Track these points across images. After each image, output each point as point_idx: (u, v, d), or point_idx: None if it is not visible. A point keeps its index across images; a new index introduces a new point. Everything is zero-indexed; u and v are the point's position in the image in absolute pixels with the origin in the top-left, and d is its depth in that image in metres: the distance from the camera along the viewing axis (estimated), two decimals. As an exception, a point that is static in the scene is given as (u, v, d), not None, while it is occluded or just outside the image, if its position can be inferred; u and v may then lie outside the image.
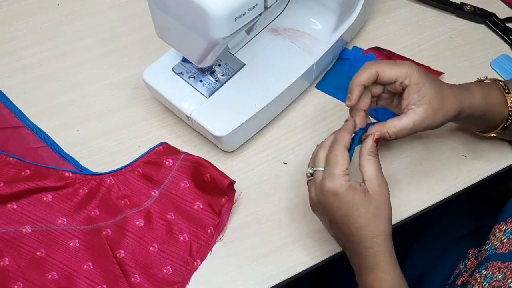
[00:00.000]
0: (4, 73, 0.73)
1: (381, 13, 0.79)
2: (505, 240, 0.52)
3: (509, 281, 0.47)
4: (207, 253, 0.60)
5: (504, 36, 0.77)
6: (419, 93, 0.55)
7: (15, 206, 0.61)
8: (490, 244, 0.55)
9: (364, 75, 0.55)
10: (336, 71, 0.73)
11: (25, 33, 0.77)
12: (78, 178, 0.63)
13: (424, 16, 0.79)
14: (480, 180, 0.66)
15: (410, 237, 0.76)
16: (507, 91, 0.59)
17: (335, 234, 0.56)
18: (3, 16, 0.79)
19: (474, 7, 0.78)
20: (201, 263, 0.60)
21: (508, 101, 0.59)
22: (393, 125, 0.55)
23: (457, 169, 0.66)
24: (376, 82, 0.56)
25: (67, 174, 0.64)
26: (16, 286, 0.58)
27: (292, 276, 0.60)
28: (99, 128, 0.69)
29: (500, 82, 0.60)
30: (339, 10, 0.67)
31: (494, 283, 0.49)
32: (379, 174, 0.53)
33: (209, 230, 0.61)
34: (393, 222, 0.62)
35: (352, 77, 0.72)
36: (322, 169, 0.53)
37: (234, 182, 0.62)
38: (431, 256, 0.72)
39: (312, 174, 0.55)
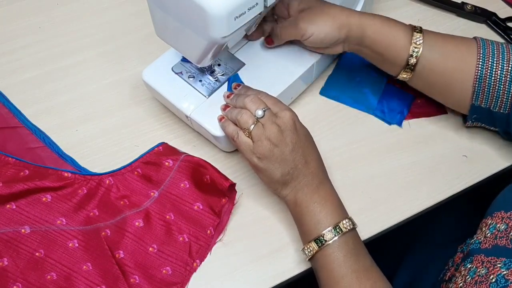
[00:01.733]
0: (2, 72, 0.73)
1: (382, 12, 0.77)
2: (488, 234, 0.53)
3: (491, 277, 0.47)
4: (207, 253, 0.60)
5: (505, 36, 0.76)
6: (301, 3, 0.63)
7: (14, 207, 0.61)
8: (475, 238, 0.55)
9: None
10: (338, 76, 0.73)
11: (24, 32, 0.77)
12: (77, 178, 0.63)
13: (425, 15, 0.79)
14: (481, 180, 0.65)
15: (409, 236, 0.76)
16: (418, 30, 0.62)
17: (291, 163, 0.57)
18: (2, 15, 0.78)
19: (475, 6, 0.78)
20: (200, 263, 0.60)
21: (414, 37, 0.61)
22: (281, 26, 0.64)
23: (457, 169, 0.66)
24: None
25: (66, 174, 0.63)
26: (15, 287, 0.57)
27: (292, 277, 0.59)
28: (98, 128, 0.69)
29: (414, 26, 0.63)
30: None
31: (477, 277, 0.49)
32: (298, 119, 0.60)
33: (208, 231, 0.61)
34: (393, 223, 0.63)
35: (354, 80, 0.72)
36: (268, 108, 0.58)
37: (234, 184, 0.62)
38: (427, 256, 0.72)
39: (263, 116, 0.58)
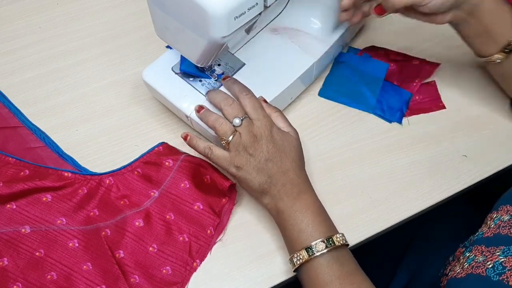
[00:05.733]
0: (3, 72, 0.73)
1: (381, 13, 0.79)
2: (492, 225, 0.53)
3: (488, 263, 0.47)
4: (207, 253, 0.60)
5: (505, 36, 0.76)
6: None
7: (14, 206, 0.61)
8: (479, 231, 0.55)
9: None
10: (336, 76, 0.73)
11: (24, 32, 0.77)
12: (77, 178, 0.63)
13: (424, 15, 0.79)
14: (481, 180, 0.66)
15: (409, 236, 0.76)
16: None
17: (267, 172, 0.57)
18: (2, 15, 0.78)
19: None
20: (200, 263, 0.60)
21: None
22: None
23: (457, 169, 0.66)
24: None
25: (66, 174, 0.63)
26: (15, 287, 0.57)
27: (292, 277, 0.59)
28: (98, 128, 0.69)
29: None
30: (339, 9, 0.67)
31: (474, 263, 0.49)
32: (290, 124, 0.60)
33: (208, 231, 0.61)
34: (393, 222, 0.63)
35: (352, 80, 0.72)
36: (246, 116, 0.58)
37: (235, 184, 0.62)
38: (429, 254, 0.72)
39: (240, 124, 0.58)
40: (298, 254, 0.54)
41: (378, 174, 0.65)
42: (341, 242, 0.54)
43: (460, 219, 0.76)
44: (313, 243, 0.53)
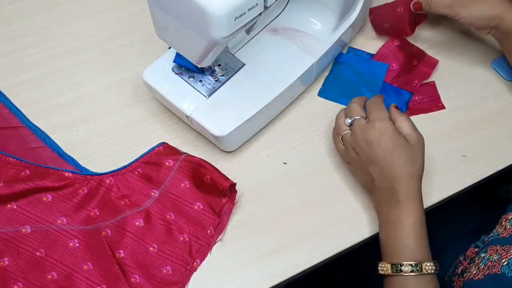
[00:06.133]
0: (3, 73, 0.73)
1: (381, 13, 0.79)
2: (508, 226, 0.53)
3: (503, 260, 0.48)
4: (207, 253, 0.60)
5: (504, 36, 0.77)
6: None
7: (15, 206, 0.61)
8: (494, 232, 0.55)
9: None
10: (336, 76, 0.73)
11: (25, 33, 0.77)
12: (77, 178, 0.63)
13: (424, 15, 0.79)
14: (480, 180, 0.66)
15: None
16: None
17: (370, 174, 0.58)
18: (3, 16, 0.78)
19: (475, 6, 0.78)
20: (201, 263, 0.60)
21: None
22: None
23: (457, 169, 0.66)
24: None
25: (66, 174, 0.63)
26: (15, 286, 0.58)
27: (292, 276, 0.60)
28: (98, 128, 0.69)
29: None
30: (339, 9, 0.67)
31: (489, 263, 0.50)
32: (415, 129, 0.59)
33: (209, 231, 0.61)
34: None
35: (352, 80, 0.73)
36: (360, 117, 0.60)
37: (235, 184, 0.62)
38: (433, 253, 0.72)
39: (351, 124, 0.60)
40: (383, 265, 0.55)
41: (378, 174, 0.65)
42: (430, 271, 0.53)
43: (464, 219, 0.76)
44: (400, 262, 0.53)
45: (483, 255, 0.53)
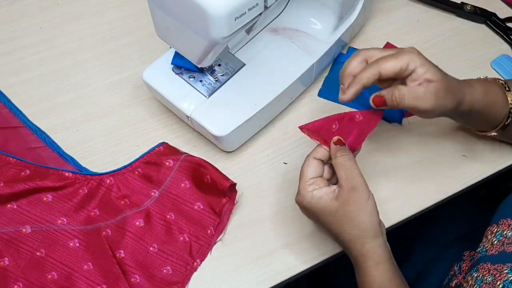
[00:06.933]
0: (3, 72, 0.73)
1: (381, 13, 0.79)
2: (495, 242, 0.53)
3: (498, 283, 0.47)
4: (207, 253, 0.60)
5: (505, 36, 0.77)
6: (428, 72, 0.52)
7: (15, 206, 0.61)
8: (482, 247, 0.55)
9: (366, 75, 0.53)
10: (336, 76, 0.73)
11: (25, 33, 0.77)
12: (78, 178, 0.63)
13: (425, 15, 0.79)
14: (480, 180, 0.66)
15: (409, 237, 0.76)
16: (507, 88, 0.59)
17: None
18: (3, 16, 0.78)
19: (475, 6, 0.78)
20: (201, 263, 0.60)
21: (508, 98, 0.59)
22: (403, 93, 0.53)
23: (457, 169, 0.66)
24: (379, 79, 0.54)
25: (67, 174, 0.63)
26: (16, 286, 0.58)
27: (292, 277, 0.60)
28: (99, 128, 0.69)
29: (500, 81, 0.60)
30: (339, 9, 0.67)
31: (484, 285, 0.49)
32: (349, 179, 0.52)
33: (209, 231, 0.61)
34: (393, 222, 0.62)
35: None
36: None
37: (235, 184, 0.62)
38: (430, 256, 0.72)
39: None
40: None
41: (377, 174, 0.65)
42: None
43: (464, 220, 0.76)
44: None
45: (475, 275, 0.52)
